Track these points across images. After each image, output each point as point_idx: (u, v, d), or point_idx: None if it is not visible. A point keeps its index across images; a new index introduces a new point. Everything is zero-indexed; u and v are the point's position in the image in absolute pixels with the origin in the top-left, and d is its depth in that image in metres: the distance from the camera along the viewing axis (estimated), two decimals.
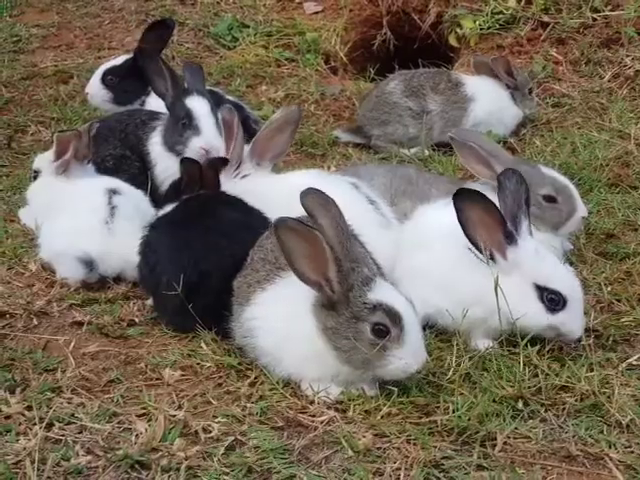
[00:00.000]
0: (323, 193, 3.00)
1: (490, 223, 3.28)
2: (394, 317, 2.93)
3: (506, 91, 5.97)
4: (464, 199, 3.26)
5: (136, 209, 4.13)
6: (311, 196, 2.98)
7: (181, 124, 4.47)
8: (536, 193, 3.98)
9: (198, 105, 4.47)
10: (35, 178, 4.56)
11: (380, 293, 2.97)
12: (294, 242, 2.93)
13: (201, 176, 3.87)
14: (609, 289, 3.81)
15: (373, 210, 3.80)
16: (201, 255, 3.43)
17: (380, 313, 2.93)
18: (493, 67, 5.96)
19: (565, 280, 3.35)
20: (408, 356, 2.95)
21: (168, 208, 3.84)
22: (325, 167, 5.28)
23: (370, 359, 2.95)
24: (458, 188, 3.41)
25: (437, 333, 3.43)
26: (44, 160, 4.51)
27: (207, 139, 4.40)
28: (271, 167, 4.23)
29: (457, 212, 3.27)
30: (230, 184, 4.03)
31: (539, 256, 3.35)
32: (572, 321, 3.31)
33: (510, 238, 3.32)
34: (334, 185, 3.71)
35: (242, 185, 4.07)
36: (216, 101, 4.70)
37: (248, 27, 7.36)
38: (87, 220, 4.01)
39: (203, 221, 3.59)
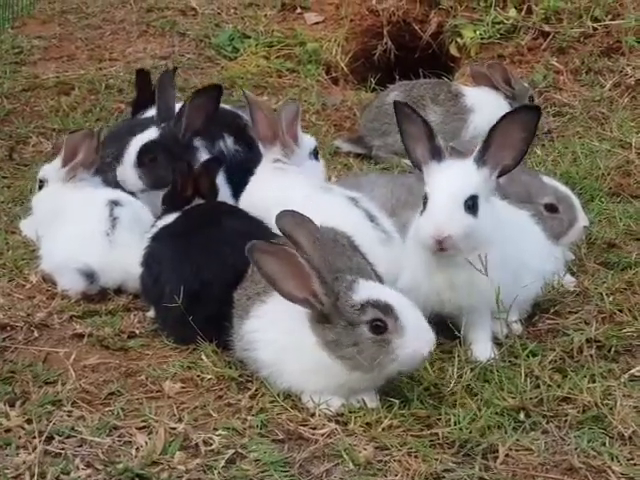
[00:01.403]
0: (297, 213, 3.01)
1: (421, 137, 3.34)
2: (385, 309, 2.93)
3: (506, 102, 5.96)
4: (404, 114, 3.39)
5: (137, 220, 4.12)
6: (286, 218, 3.00)
7: None
8: (537, 202, 3.99)
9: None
10: (40, 188, 4.56)
11: (364, 291, 2.97)
12: (271, 264, 2.94)
13: (195, 182, 3.85)
14: (611, 299, 3.79)
15: (372, 227, 3.78)
16: (203, 264, 3.42)
17: (370, 309, 2.93)
18: (489, 74, 5.94)
19: (434, 184, 3.31)
20: (414, 341, 2.93)
21: (167, 218, 3.84)
22: (326, 177, 5.27)
23: (379, 358, 2.93)
24: (396, 101, 3.54)
25: (438, 344, 3.41)
26: (51, 169, 4.50)
27: (118, 172, 4.42)
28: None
29: (398, 123, 3.41)
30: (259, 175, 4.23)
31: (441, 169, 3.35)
32: (422, 222, 3.29)
33: (434, 155, 3.34)
34: (331, 201, 3.79)
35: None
36: None
37: (249, 38, 7.38)
38: (88, 232, 4.01)
39: (205, 231, 3.59)
